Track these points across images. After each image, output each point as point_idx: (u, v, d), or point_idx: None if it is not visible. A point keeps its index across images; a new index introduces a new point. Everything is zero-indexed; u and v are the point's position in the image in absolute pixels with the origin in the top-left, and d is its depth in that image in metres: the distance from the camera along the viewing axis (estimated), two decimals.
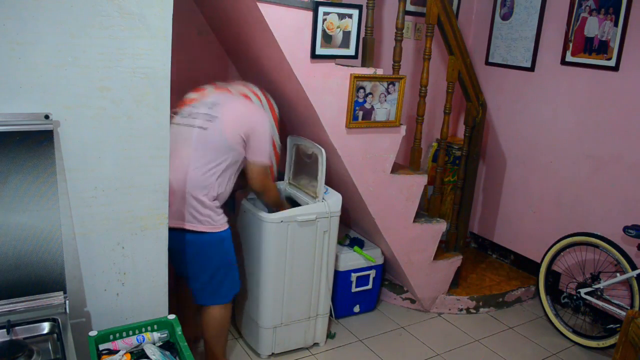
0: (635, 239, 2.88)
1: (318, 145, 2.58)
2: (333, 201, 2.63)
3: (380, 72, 2.66)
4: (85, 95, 1.71)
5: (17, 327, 1.58)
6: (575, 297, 3.12)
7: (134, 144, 1.83)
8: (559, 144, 3.46)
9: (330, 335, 2.93)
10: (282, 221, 2.48)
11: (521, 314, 3.41)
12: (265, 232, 2.48)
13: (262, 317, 2.64)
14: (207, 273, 2.36)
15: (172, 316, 1.92)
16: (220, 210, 2.34)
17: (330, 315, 3.01)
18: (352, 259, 3.05)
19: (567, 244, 3.15)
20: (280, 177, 3.06)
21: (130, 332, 1.83)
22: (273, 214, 2.51)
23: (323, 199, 2.63)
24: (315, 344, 2.86)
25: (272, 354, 2.73)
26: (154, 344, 1.82)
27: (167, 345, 1.85)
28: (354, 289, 3.09)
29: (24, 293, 1.64)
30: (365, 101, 2.66)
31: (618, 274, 2.90)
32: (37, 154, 1.61)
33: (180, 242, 2.28)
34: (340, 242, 3.13)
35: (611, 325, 2.99)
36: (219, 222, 2.31)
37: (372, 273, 3.12)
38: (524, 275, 3.74)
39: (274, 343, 2.70)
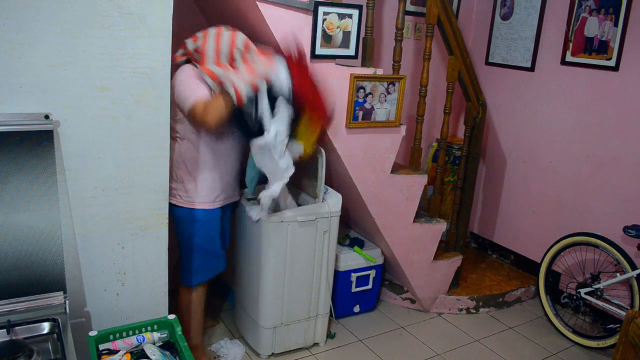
0: (635, 239, 2.88)
1: (318, 146, 2.58)
2: (333, 201, 2.63)
3: (380, 72, 2.66)
4: (85, 95, 1.71)
5: (17, 327, 1.58)
6: (575, 297, 3.12)
7: (134, 144, 1.83)
8: (559, 144, 3.46)
9: (330, 336, 2.93)
10: (282, 221, 2.48)
11: (521, 314, 3.41)
12: (265, 232, 2.48)
13: (262, 317, 2.63)
14: (178, 247, 2.42)
15: (172, 316, 1.92)
16: (190, 187, 2.31)
17: (330, 315, 3.01)
18: (352, 259, 3.05)
19: (567, 244, 3.15)
20: None
21: (130, 332, 1.84)
22: (273, 214, 2.51)
23: (323, 199, 2.63)
24: (315, 344, 2.85)
25: (272, 354, 2.73)
26: (154, 344, 1.82)
27: (167, 345, 1.85)
28: (354, 289, 3.09)
29: (24, 293, 1.64)
30: (365, 101, 2.66)
31: (618, 274, 2.90)
32: (37, 154, 1.61)
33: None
34: (340, 242, 3.13)
35: (611, 325, 2.99)
36: (184, 198, 2.31)
37: (372, 273, 3.12)
38: (524, 275, 3.74)
39: (274, 343, 2.70)
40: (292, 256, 2.56)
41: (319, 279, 2.70)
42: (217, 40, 2.16)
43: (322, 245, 2.64)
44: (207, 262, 2.46)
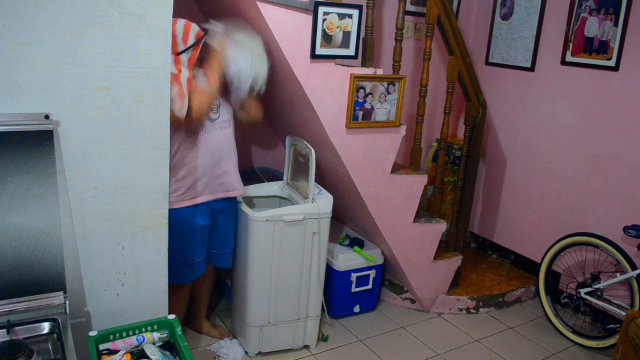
0: (635, 239, 2.88)
1: (308, 145, 2.58)
2: (324, 202, 2.61)
3: (380, 72, 2.66)
4: (85, 95, 1.71)
5: (17, 327, 1.58)
6: (575, 297, 3.12)
7: (134, 144, 1.83)
8: (559, 144, 3.46)
9: (322, 338, 2.91)
10: (268, 220, 2.48)
11: (521, 314, 3.41)
12: (252, 230, 2.49)
13: (249, 315, 2.63)
14: None
15: (172, 316, 1.92)
16: (174, 187, 2.30)
17: (324, 316, 2.99)
18: (352, 259, 3.04)
19: (567, 244, 3.15)
20: (280, 177, 3.06)
21: (130, 332, 1.84)
22: (260, 212, 2.50)
23: (313, 199, 2.62)
24: (306, 346, 2.84)
25: (260, 352, 2.72)
26: (154, 344, 1.82)
27: (167, 345, 1.85)
28: (354, 289, 3.08)
29: (24, 293, 1.64)
30: (365, 101, 2.66)
31: (618, 274, 2.90)
32: (37, 154, 1.61)
33: None
34: (340, 242, 3.13)
35: (611, 325, 2.99)
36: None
37: (372, 273, 3.12)
38: (524, 275, 3.74)
39: (261, 342, 2.69)
40: (279, 256, 2.56)
41: (309, 281, 2.68)
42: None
43: (312, 247, 2.62)
44: (178, 267, 2.42)
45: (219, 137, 2.40)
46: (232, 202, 2.55)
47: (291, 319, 2.72)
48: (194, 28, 2.20)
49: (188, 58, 2.17)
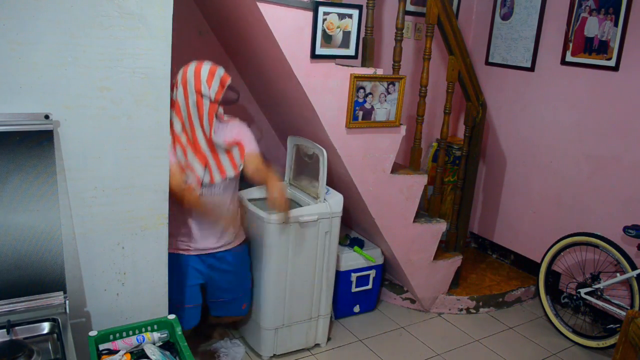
0: (635, 239, 2.88)
1: (319, 146, 2.58)
2: (334, 202, 2.63)
3: (380, 72, 2.66)
4: (85, 95, 1.71)
5: (17, 327, 1.58)
6: (575, 297, 3.12)
7: (134, 144, 1.83)
8: (559, 144, 3.46)
9: None
10: (283, 222, 2.48)
11: (521, 314, 3.41)
12: (267, 232, 2.48)
13: (263, 318, 2.63)
14: None
15: (172, 316, 1.92)
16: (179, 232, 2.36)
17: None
18: (352, 259, 3.04)
19: (567, 244, 3.15)
20: (281, 177, 3.06)
21: (130, 332, 1.83)
22: (275, 214, 2.50)
23: (324, 199, 2.63)
24: (317, 345, 2.85)
25: (274, 355, 2.73)
26: (154, 344, 1.82)
27: (167, 345, 1.85)
28: (354, 289, 3.08)
29: (24, 293, 1.64)
30: (365, 101, 2.66)
31: (618, 274, 2.90)
32: (37, 154, 1.61)
33: None
34: (340, 242, 3.13)
35: (611, 325, 2.99)
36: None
37: (372, 273, 3.12)
38: (524, 275, 3.74)
39: (276, 344, 2.69)
40: (294, 257, 2.56)
41: (321, 280, 2.70)
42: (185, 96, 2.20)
43: (324, 246, 2.64)
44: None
45: (220, 198, 2.37)
46: (232, 251, 2.48)
47: (304, 319, 2.73)
48: (220, 72, 2.22)
49: (210, 105, 2.20)
